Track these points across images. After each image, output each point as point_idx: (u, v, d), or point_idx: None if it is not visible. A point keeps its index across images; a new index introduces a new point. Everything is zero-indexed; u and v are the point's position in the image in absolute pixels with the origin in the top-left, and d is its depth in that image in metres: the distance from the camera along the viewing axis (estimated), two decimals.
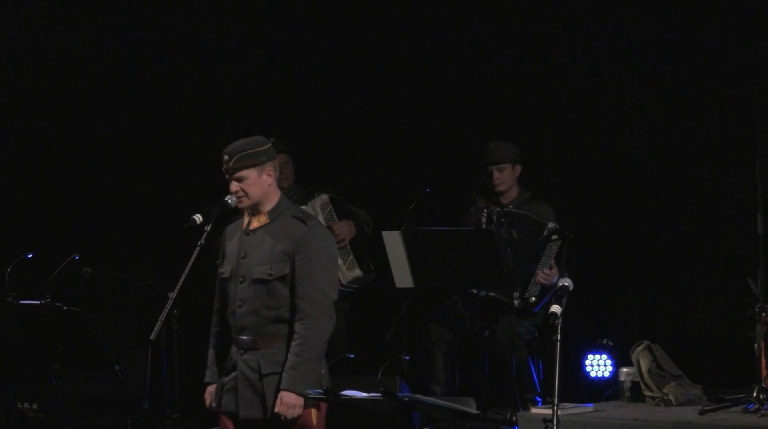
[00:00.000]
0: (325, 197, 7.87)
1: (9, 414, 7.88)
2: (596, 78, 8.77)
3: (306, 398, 5.55)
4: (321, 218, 7.70)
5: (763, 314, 6.95)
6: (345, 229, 7.81)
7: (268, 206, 5.73)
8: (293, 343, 5.57)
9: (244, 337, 5.66)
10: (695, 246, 8.56)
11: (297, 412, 5.55)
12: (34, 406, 7.85)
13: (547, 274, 7.71)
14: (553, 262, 7.75)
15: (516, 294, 7.72)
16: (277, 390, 5.58)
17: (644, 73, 8.68)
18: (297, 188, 8.10)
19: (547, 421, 5.20)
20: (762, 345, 6.95)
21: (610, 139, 8.78)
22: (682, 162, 8.63)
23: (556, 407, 5.14)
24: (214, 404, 5.81)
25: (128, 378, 7.34)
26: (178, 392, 7.31)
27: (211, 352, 5.89)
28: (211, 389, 5.84)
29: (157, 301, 6.13)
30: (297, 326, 5.58)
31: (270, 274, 5.62)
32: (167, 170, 9.38)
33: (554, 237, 7.75)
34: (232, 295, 5.73)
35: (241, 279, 5.70)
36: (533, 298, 7.76)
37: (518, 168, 8.08)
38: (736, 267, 7.77)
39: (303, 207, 7.60)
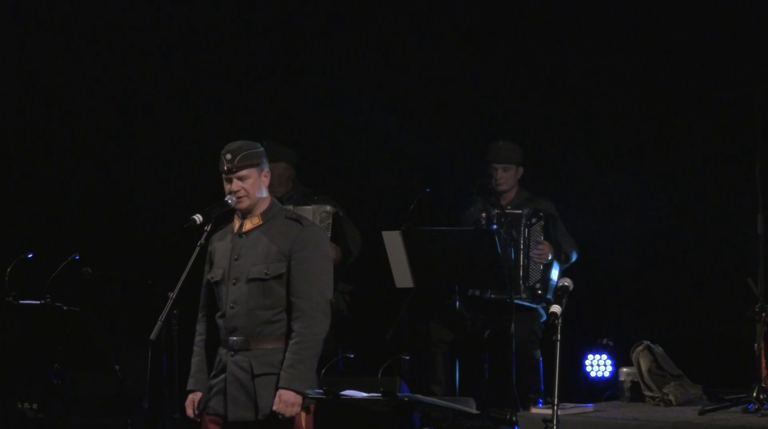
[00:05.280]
0: (329, 209, 7.80)
1: (9, 414, 7.88)
2: (596, 77, 8.77)
3: (304, 397, 5.55)
4: None
5: (763, 314, 6.96)
6: None
7: (261, 208, 5.73)
8: (291, 342, 5.56)
9: (236, 338, 5.63)
10: (695, 246, 8.55)
11: (295, 410, 5.54)
12: (34, 406, 7.85)
13: (539, 250, 7.76)
14: (541, 238, 7.79)
15: (521, 286, 7.76)
16: (273, 391, 5.55)
17: (645, 72, 8.68)
18: (299, 188, 8.09)
19: (547, 421, 5.20)
20: (762, 345, 6.96)
21: (611, 140, 8.78)
22: (683, 162, 8.63)
23: (556, 407, 5.14)
24: (197, 411, 5.75)
25: (128, 378, 7.33)
26: (178, 392, 7.32)
27: (195, 360, 5.83)
28: (193, 397, 5.76)
29: (157, 301, 6.12)
30: (295, 324, 5.58)
31: (266, 274, 5.61)
32: (167, 170, 9.38)
33: (533, 220, 7.82)
34: (223, 298, 5.69)
35: (234, 280, 5.67)
36: (537, 284, 7.80)
37: (521, 170, 8.12)
38: (736, 267, 7.76)
39: (305, 207, 7.59)
